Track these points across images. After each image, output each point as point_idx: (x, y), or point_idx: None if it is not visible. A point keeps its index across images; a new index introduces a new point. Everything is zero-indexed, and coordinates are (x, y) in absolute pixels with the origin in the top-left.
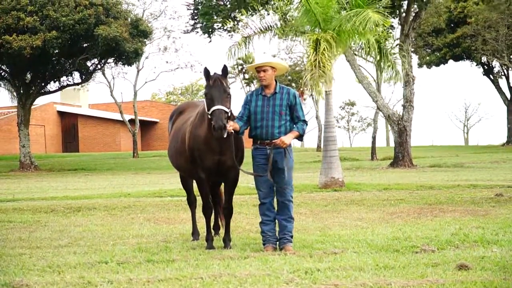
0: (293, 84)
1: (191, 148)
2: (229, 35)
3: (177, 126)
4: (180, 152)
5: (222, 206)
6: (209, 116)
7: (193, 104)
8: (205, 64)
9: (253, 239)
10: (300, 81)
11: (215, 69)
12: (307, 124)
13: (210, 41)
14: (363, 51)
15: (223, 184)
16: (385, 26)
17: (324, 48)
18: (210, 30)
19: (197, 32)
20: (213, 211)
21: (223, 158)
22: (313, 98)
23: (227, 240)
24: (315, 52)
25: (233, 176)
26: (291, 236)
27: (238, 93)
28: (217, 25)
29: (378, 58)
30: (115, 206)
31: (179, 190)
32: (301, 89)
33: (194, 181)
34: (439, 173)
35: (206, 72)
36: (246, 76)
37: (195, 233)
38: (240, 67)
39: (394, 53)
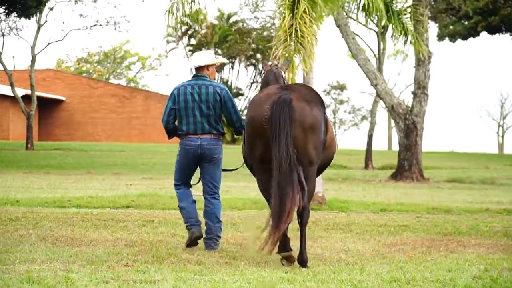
0: (259, 56)
1: None
2: None
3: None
4: None
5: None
6: None
7: None
8: (135, 21)
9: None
10: (269, 51)
11: (149, 30)
12: None
13: None
14: (361, 12)
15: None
16: None
17: (304, 9)
18: None
19: None
20: None
21: None
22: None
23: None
24: (291, 15)
25: None
26: None
27: (181, 63)
28: None
29: (384, 20)
30: None
31: (89, 198)
32: (269, 63)
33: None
34: (460, 191)
35: None
36: (193, 41)
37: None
38: (185, 28)
39: (406, 17)
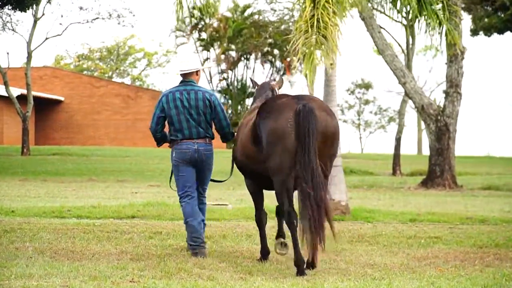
0: (276, 51)
1: None
2: None
3: None
4: None
5: None
6: None
7: None
8: (140, 13)
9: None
10: (287, 46)
11: (156, 24)
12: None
13: None
14: (389, 3)
15: None
16: None
17: None
18: None
19: None
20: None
21: None
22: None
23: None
24: (312, 5)
25: None
26: None
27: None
28: None
29: (415, 10)
30: None
31: (90, 208)
32: (288, 59)
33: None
34: (497, 199)
35: None
36: (204, 35)
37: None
38: (195, 22)
39: (438, 7)
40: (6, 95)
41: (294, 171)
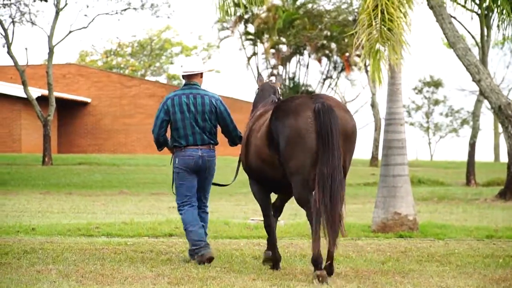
0: (333, 46)
1: None
2: None
3: None
4: None
5: None
6: None
7: None
8: (176, 3)
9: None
10: (346, 40)
11: (195, 14)
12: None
13: None
14: None
15: None
16: None
17: None
18: None
19: None
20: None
21: None
22: (367, 72)
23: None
24: None
25: None
26: None
27: (236, 57)
28: None
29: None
30: (9, 250)
31: (122, 225)
32: (349, 55)
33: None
34: None
35: None
36: (250, 27)
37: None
38: (240, 12)
39: None
40: (25, 96)
41: (314, 171)
